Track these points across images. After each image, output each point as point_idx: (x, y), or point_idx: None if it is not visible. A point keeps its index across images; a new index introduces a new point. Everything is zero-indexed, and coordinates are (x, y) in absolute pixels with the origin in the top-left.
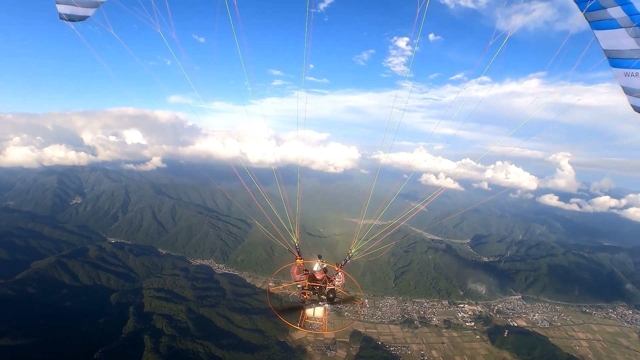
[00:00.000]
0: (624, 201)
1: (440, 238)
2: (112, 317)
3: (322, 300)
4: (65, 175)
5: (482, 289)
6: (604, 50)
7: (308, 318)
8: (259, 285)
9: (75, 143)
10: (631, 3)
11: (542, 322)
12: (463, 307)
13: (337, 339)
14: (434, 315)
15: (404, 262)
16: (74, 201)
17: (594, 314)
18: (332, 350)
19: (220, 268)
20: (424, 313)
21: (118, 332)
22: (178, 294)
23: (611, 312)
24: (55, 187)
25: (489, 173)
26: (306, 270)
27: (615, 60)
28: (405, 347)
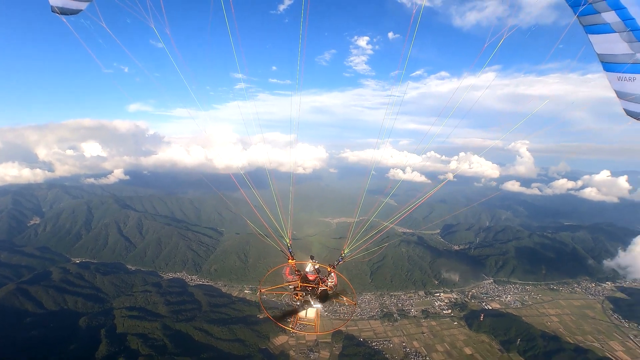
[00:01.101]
0: (580, 182)
1: (411, 230)
2: (83, 342)
3: (315, 301)
4: (20, 195)
5: (455, 276)
6: (598, 55)
7: (300, 319)
8: (235, 293)
9: (30, 159)
10: (625, 8)
11: (514, 302)
12: (439, 295)
13: (320, 340)
14: (412, 306)
15: (378, 257)
16: (32, 222)
17: (561, 290)
18: (315, 352)
19: (193, 280)
20: (402, 305)
21: (91, 357)
22: (151, 310)
23: (576, 287)
24: (10, 208)
25: (453, 164)
26: (298, 271)
27: (609, 64)
28: (386, 340)
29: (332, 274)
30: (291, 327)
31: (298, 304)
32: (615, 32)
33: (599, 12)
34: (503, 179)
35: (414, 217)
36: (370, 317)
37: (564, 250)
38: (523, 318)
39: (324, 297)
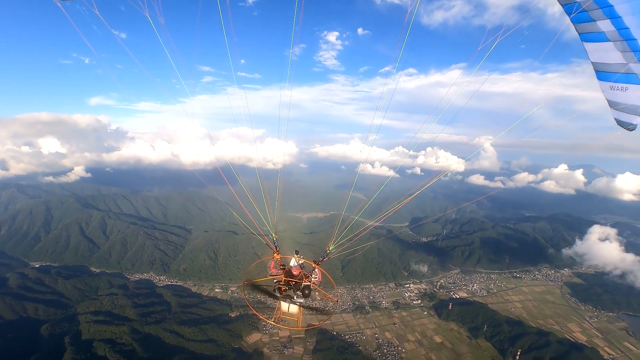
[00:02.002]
0: (540, 176)
1: (380, 224)
2: (46, 352)
3: (297, 296)
4: None
5: (424, 268)
6: (592, 63)
7: (283, 314)
8: (205, 293)
9: None
10: (620, 17)
11: (480, 291)
12: (409, 287)
13: (293, 336)
14: (383, 298)
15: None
16: None
17: (524, 277)
18: (289, 348)
19: (161, 280)
20: (373, 298)
21: None
22: (118, 314)
23: (537, 274)
24: None
25: (420, 159)
26: (283, 265)
27: (602, 73)
28: (359, 333)
29: (317, 270)
30: (274, 322)
31: (279, 294)
32: (610, 41)
33: (595, 21)
34: (468, 172)
35: (382, 210)
36: (343, 310)
37: (526, 240)
38: (489, 305)
39: (307, 292)
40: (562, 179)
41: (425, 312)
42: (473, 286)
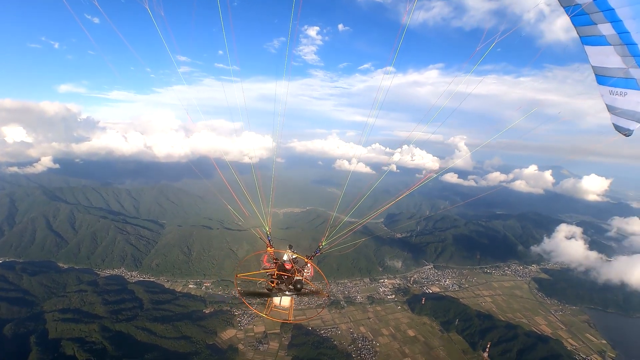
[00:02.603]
0: (511, 175)
1: (356, 220)
2: (10, 352)
3: (290, 290)
4: None
5: (398, 263)
6: (593, 67)
7: (275, 306)
8: (179, 289)
9: None
10: (621, 21)
11: (452, 286)
12: (383, 282)
13: (268, 332)
14: (358, 293)
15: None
16: None
17: (494, 273)
18: (264, 344)
19: (133, 276)
20: (348, 293)
21: None
22: (88, 312)
23: (507, 270)
24: None
25: (396, 156)
26: (276, 259)
27: (602, 77)
28: (334, 328)
29: (309, 265)
30: (265, 314)
31: (272, 291)
32: (610, 45)
33: (595, 24)
34: (442, 171)
35: (359, 206)
36: (318, 305)
37: (496, 237)
38: (460, 300)
39: (298, 287)
40: (532, 178)
41: (399, 307)
42: (445, 281)
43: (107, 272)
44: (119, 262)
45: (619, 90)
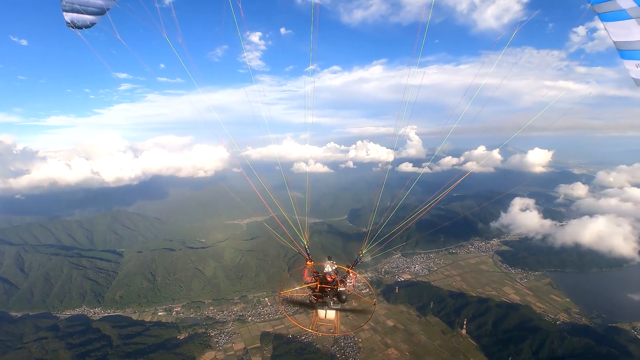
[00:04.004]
0: (462, 158)
1: (320, 220)
2: None
3: (334, 302)
4: None
5: (367, 257)
6: (615, 42)
7: (320, 320)
8: (148, 318)
9: None
10: None
11: (422, 271)
12: (355, 277)
13: (248, 347)
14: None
15: (293, 252)
16: None
17: (459, 252)
18: None
19: (97, 313)
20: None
21: None
22: None
23: (471, 247)
24: None
25: (352, 153)
26: (317, 272)
27: (626, 52)
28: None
29: (351, 275)
30: (312, 329)
31: (315, 303)
32: (632, 18)
33: None
34: (397, 161)
35: (321, 206)
36: (295, 311)
37: (457, 218)
38: (432, 283)
39: (343, 298)
40: (481, 159)
41: (375, 299)
42: (415, 267)
43: (68, 313)
44: (78, 300)
45: None
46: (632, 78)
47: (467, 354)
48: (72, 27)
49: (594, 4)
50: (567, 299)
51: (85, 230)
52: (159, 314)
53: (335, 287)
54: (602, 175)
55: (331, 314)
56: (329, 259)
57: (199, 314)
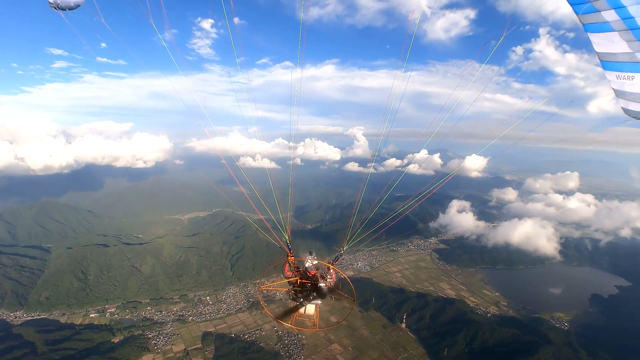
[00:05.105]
0: (405, 160)
1: (266, 217)
2: None
3: (314, 297)
4: None
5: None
6: (598, 53)
7: (299, 315)
8: (78, 321)
9: None
10: (625, 7)
11: (365, 267)
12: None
13: (188, 348)
14: (277, 290)
15: (237, 249)
16: None
17: (399, 250)
18: None
19: (18, 317)
20: (267, 292)
21: None
22: None
23: (410, 245)
24: None
25: (300, 150)
26: (298, 267)
27: (608, 63)
28: (258, 330)
29: (331, 271)
30: (290, 324)
31: (297, 300)
32: (615, 30)
33: (599, 11)
34: (344, 161)
35: (268, 203)
36: (238, 310)
37: (396, 218)
38: (374, 279)
39: (322, 294)
40: (423, 162)
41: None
42: (358, 264)
43: None
44: None
45: (626, 74)
46: (613, 89)
47: (407, 347)
48: (55, 9)
49: (579, 14)
50: (497, 293)
51: (6, 223)
52: (91, 315)
53: (316, 282)
54: (530, 182)
55: (311, 309)
56: (310, 254)
57: (136, 314)
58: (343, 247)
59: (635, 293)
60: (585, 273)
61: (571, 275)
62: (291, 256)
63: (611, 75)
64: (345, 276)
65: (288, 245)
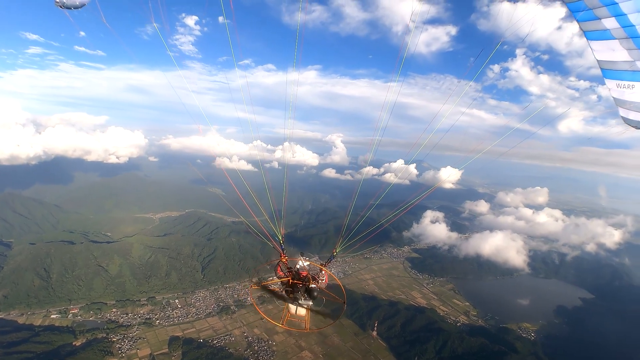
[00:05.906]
0: (382, 169)
1: (240, 219)
2: None
3: (305, 298)
4: None
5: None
6: (598, 61)
7: (291, 316)
8: (38, 322)
9: None
10: (625, 15)
11: (338, 274)
12: (272, 279)
13: (154, 353)
14: (248, 295)
15: (208, 251)
16: None
17: (373, 257)
18: None
19: None
20: (237, 296)
21: None
22: None
23: (384, 253)
24: None
25: (278, 153)
26: (290, 268)
27: (609, 71)
28: (227, 335)
29: (323, 272)
30: (282, 324)
31: (287, 297)
32: (615, 38)
33: (600, 19)
34: (321, 166)
35: (241, 205)
36: (207, 314)
37: (372, 225)
38: (346, 286)
39: (314, 295)
40: (399, 171)
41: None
42: (331, 271)
43: None
44: None
45: (626, 83)
46: (613, 97)
47: (378, 355)
48: (61, 7)
49: (580, 21)
50: (467, 303)
51: None
52: (52, 316)
53: (307, 283)
54: (501, 196)
55: (302, 310)
56: (302, 254)
57: (100, 316)
58: (336, 249)
59: (597, 306)
60: (551, 285)
61: (538, 287)
62: (284, 256)
63: (611, 83)
64: (336, 278)
65: (281, 246)
